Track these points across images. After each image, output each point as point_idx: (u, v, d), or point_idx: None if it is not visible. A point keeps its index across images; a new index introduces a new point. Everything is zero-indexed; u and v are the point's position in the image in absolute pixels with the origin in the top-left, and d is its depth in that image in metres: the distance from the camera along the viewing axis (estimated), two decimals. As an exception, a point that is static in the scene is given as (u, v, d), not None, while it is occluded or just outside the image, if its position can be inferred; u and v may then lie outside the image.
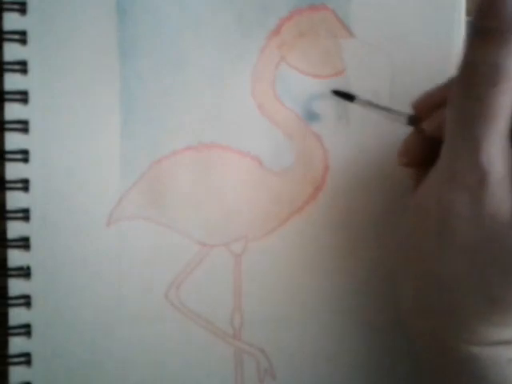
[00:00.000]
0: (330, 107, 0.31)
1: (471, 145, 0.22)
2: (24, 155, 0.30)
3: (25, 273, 0.30)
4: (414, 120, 0.28)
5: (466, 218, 0.22)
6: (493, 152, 0.22)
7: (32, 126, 0.30)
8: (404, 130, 0.29)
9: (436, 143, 0.25)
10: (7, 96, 0.30)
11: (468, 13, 0.31)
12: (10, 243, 0.30)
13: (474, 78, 0.22)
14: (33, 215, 0.30)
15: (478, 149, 0.22)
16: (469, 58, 0.22)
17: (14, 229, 0.30)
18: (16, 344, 0.30)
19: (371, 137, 0.31)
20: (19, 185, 0.30)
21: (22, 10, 0.30)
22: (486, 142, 0.22)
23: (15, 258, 0.30)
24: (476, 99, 0.22)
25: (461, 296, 0.23)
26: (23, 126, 0.30)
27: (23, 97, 0.30)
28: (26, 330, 0.30)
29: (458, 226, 0.22)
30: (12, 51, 0.30)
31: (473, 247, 0.22)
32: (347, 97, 0.30)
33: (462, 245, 0.22)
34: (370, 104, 0.29)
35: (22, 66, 0.30)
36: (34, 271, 0.30)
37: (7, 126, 0.30)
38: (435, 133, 0.26)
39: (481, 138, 0.22)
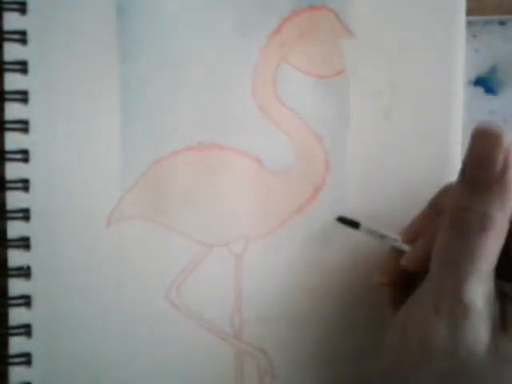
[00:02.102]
0: (330, 107, 0.31)
1: (456, 280, 0.23)
2: (24, 155, 0.30)
3: (25, 273, 0.30)
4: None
5: (445, 348, 0.23)
6: (476, 289, 0.23)
7: (32, 126, 0.30)
8: (404, 133, 0.29)
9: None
10: (7, 96, 0.30)
11: (468, 13, 0.31)
12: (10, 243, 0.30)
13: (463, 222, 0.24)
14: (33, 215, 0.30)
15: (462, 285, 0.23)
16: (459, 202, 0.24)
17: (14, 229, 0.30)
18: (16, 344, 0.30)
19: (371, 137, 0.31)
20: (19, 185, 0.30)
21: (22, 9, 0.30)
22: (471, 280, 0.23)
23: (15, 258, 0.30)
24: (464, 241, 0.23)
25: None
26: (23, 126, 0.30)
27: (23, 97, 0.30)
28: (26, 330, 0.30)
29: (436, 355, 0.24)
30: (12, 51, 0.30)
31: (449, 377, 0.23)
32: (352, 224, 0.30)
33: (438, 373, 0.24)
34: (373, 232, 0.30)
35: (22, 66, 0.30)
36: (34, 271, 0.30)
37: (7, 125, 0.30)
38: (415, 265, 0.27)
39: (466, 276, 0.23)
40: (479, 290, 0.23)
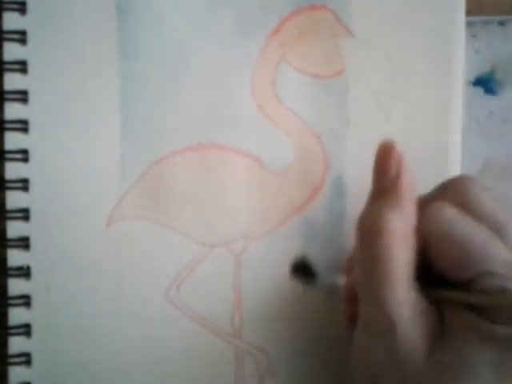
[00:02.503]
0: (329, 107, 0.31)
1: (374, 295, 0.23)
2: (24, 155, 0.30)
3: (25, 273, 0.30)
4: None
5: (385, 364, 0.23)
6: (396, 300, 0.23)
7: (32, 126, 0.30)
8: (404, 133, 0.29)
9: None
10: (7, 96, 0.30)
11: (468, 13, 0.31)
12: (9, 243, 0.30)
13: (363, 229, 0.24)
14: (33, 215, 0.30)
15: (381, 300, 0.23)
16: (361, 214, 0.25)
17: (14, 229, 0.30)
18: (16, 344, 0.30)
19: (371, 137, 0.31)
20: (19, 185, 0.30)
21: (22, 9, 0.30)
22: (388, 291, 0.23)
23: (15, 257, 0.30)
24: (369, 250, 0.24)
25: None
26: (23, 126, 0.30)
27: (23, 97, 0.30)
28: (26, 329, 0.30)
29: (380, 373, 0.23)
30: (12, 51, 0.30)
31: None
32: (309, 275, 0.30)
33: None
34: (332, 285, 0.30)
35: (22, 66, 0.30)
36: (34, 271, 0.30)
37: (7, 125, 0.30)
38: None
39: (382, 289, 0.23)
40: (400, 300, 0.23)
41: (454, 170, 0.31)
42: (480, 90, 0.33)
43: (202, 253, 0.31)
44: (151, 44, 0.30)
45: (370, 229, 0.24)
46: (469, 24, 0.31)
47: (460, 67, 0.31)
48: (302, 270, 0.31)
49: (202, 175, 0.31)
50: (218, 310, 0.31)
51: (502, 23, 0.32)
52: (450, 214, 0.24)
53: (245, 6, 0.31)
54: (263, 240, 0.31)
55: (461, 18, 0.31)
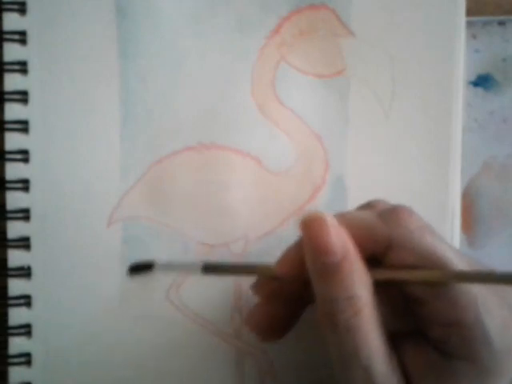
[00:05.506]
0: (330, 107, 0.31)
1: (362, 370, 0.22)
2: (24, 155, 0.30)
3: (25, 273, 0.30)
4: (207, 268, 0.28)
5: None
6: (383, 367, 0.22)
7: (32, 126, 0.30)
8: (404, 133, 0.28)
9: (282, 311, 0.27)
10: (7, 96, 0.30)
11: (468, 13, 0.31)
12: (10, 243, 0.30)
13: (336, 315, 0.23)
14: (33, 215, 0.30)
15: (370, 371, 0.22)
16: (324, 296, 0.23)
17: (14, 229, 0.30)
18: (16, 344, 0.30)
19: (371, 137, 0.31)
20: (19, 185, 0.30)
21: (22, 10, 0.30)
22: (374, 360, 0.22)
23: (15, 257, 0.30)
24: (344, 334, 0.22)
25: None
26: (23, 126, 0.30)
27: (23, 97, 0.30)
28: (26, 330, 0.30)
29: None
30: (12, 51, 0.30)
31: None
32: (146, 267, 0.30)
33: None
34: (168, 265, 0.30)
35: (22, 66, 0.30)
36: (34, 271, 0.30)
37: (7, 126, 0.30)
38: (290, 273, 0.25)
39: (368, 363, 0.22)
40: (385, 363, 0.23)
41: (454, 169, 0.31)
42: (480, 90, 0.33)
43: (202, 253, 0.31)
44: (151, 44, 0.30)
45: (346, 311, 0.22)
46: (469, 24, 0.31)
47: (460, 67, 0.31)
48: (138, 268, 0.30)
49: (201, 175, 0.31)
50: (219, 310, 0.31)
51: (502, 23, 0.32)
52: (420, 223, 0.24)
53: (244, 6, 0.31)
54: (263, 240, 0.31)
55: (461, 17, 0.31)
